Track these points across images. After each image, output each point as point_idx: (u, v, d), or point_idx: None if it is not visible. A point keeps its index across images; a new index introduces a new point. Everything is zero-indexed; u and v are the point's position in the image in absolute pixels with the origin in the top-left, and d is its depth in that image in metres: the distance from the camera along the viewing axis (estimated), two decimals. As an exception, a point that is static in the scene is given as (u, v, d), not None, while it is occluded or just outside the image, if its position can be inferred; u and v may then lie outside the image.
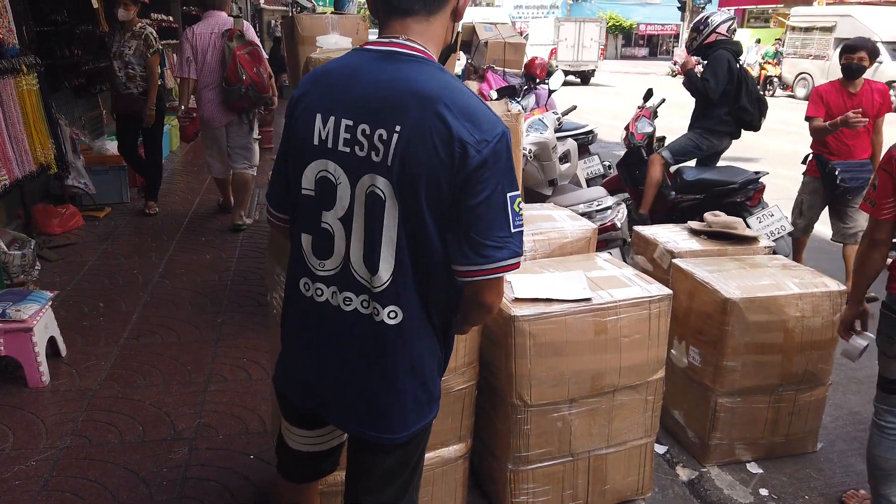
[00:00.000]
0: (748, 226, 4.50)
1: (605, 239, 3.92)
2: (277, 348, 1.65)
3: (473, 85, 8.79)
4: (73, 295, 4.18)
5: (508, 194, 1.33)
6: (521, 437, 2.27)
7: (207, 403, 3.05)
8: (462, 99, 1.31)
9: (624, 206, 4.11)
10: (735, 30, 5.20)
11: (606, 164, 6.73)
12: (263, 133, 8.07)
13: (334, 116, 1.36)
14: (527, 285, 2.26)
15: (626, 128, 5.45)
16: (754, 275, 2.96)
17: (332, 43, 4.01)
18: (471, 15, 20.62)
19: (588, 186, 5.98)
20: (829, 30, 18.27)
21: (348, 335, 1.44)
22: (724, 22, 4.99)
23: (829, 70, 17.39)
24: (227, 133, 5.40)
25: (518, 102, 6.06)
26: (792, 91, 19.54)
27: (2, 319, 3.02)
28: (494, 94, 6.85)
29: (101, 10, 6.43)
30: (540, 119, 4.89)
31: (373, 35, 1.62)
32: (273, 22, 18.65)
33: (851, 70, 4.41)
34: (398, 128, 1.30)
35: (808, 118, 4.55)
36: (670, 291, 2.34)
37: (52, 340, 3.31)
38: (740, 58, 5.06)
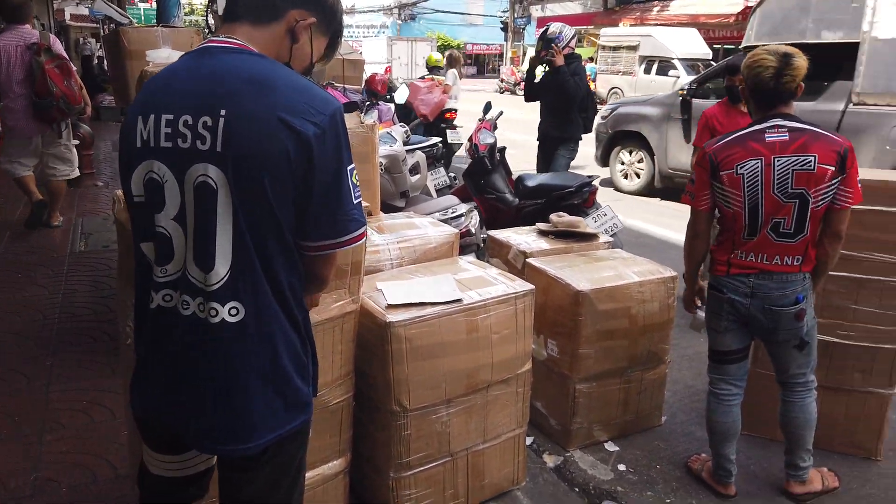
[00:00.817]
0: (586, 225, 4.87)
1: (462, 245, 4.04)
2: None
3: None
4: None
5: (348, 167, 1.37)
6: (401, 444, 2.26)
7: (45, 455, 2.71)
8: (293, 79, 1.34)
9: (476, 212, 4.26)
10: None
11: (451, 175, 6.96)
12: (84, 157, 7.47)
13: (154, 115, 1.32)
14: (398, 292, 2.27)
15: (470, 139, 5.68)
16: (599, 268, 3.20)
17: (164, 57, 3.79)
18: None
19: (437, 197, 6.16)
20: (634, 48, 20.30)
21: (191, 342, 1.35)
22: (573, 37, 5.58)
23: (636, 84, 19.34)
24: (42, 141, 5.56)
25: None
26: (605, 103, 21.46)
27: None
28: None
29: None
30: (388, 132, 4.95)
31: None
32: (81, 39, 17.25)
33: (734, 93, 4.29)
34: (223, 112, 1.27)
35: (696, 147, 4.65)
36: (532, 286, 2.46)
37: None
38: None
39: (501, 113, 5.99)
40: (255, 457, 1.42)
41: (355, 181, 1.39)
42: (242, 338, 1.34)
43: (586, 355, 3.04)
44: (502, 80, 29.77)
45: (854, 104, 6.35)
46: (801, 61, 2.42)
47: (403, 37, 28.91)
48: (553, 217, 3.77)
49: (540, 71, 6.03)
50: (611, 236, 4.82)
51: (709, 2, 21.26)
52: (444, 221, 3.93)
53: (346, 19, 42.10)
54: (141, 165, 1.34)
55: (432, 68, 10.36)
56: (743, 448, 2.97)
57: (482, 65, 49.72)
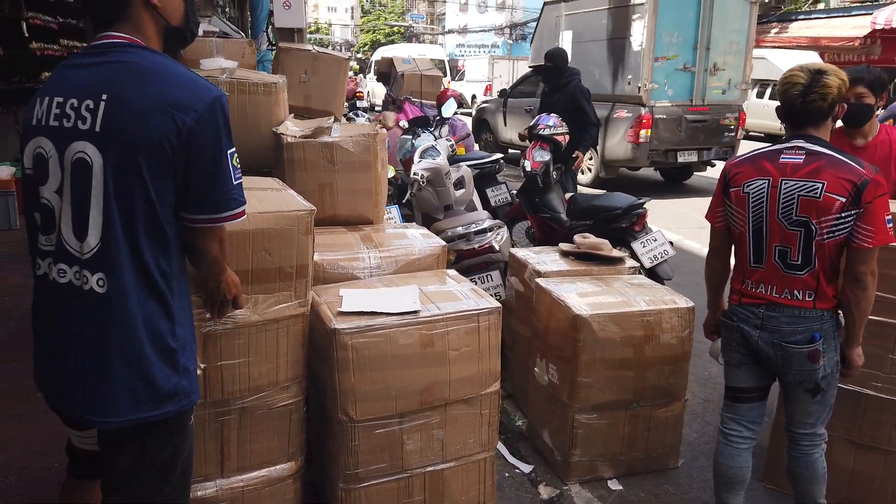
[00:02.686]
0: (632, 250, 4.64)
1: (486, 261, 3.96)
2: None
3: (391, 115, 8.87)
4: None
5: (228, 151, 1.48)
6: (349, 455, 2.22)
7: (48, 431, 2.88)
8: (174, 69, 1.44)
9: (505, 229, 4.16)
10: None
11: (514, 192, 6.86)
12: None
13: (49, 97, 1.44)
14: (355, 300, 2.24)
15: (524, 156, 5.59)
16: (608, 292, 3.03)
17: (217, 66, 3.98)
18: (407, 50, 20.96)
19: (498, 216, 6.10)
20: (746, 72, 19.16)
21: (67, 311, 1.43)
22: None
23: (748, 109, 18.20)
24: None
25: (431, 132, 6.15)
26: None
27: None
28: (405, 124, 6.95)
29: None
30: (433, 146, 4.95)
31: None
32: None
33: (853, 114, 2.88)
34: (105, 96, 1.38)
35: None
36: (499, 305, 2.36)
37: None
38: None
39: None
40: (113, 435, 1.47)
41: (236, 164, 1.50)
42: (108, 311, 1.41)
43: (586, 384, 2.87)
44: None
45: None
46: (833, 80, 2.19)
47: (504, 55, 28.99)
48: (577, 238, 3.62)
49: None
50: (657, 264, 4.57)
51: (832, 24, 19.79)
52: (466, 236, 3.88)
53: (458, 38, 42.96)
54: (32, 141, 1.46)
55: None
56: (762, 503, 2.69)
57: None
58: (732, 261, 2.47)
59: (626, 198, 4.89)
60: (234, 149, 1.50)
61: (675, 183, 10.78)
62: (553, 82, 6.52)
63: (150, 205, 1.40)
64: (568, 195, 5.37)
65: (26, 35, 7.57)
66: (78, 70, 1.45)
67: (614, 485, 3.00)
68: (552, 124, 5.69)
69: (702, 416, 3.56)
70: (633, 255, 4.61)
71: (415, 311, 2.21)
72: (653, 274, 4.48)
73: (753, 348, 2.35)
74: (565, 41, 10.12)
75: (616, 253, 3.57)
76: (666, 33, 8.83)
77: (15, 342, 3.77)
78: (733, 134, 9.54)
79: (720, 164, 10.26)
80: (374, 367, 2.15)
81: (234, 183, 1.49)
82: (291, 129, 3.04)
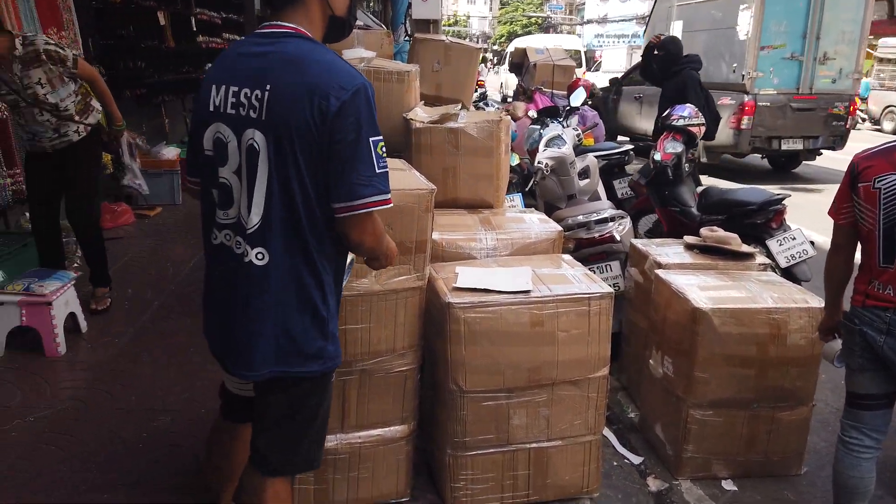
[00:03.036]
0: (768, 248, 4.40)
1: (606, 251, 3.93)
2: None
3: (521, 105, 8.90)
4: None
5: (371, 139, 1.52)
6: (457, 423, 2.34)
7: (199, 382, 3.27)
8: (323, 57, 1.53)
9: (628, 219, 4.09)
10: None
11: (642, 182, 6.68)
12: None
13: (225, 85, 1.59)
14: (470, 277, 2.35)
15: (655, 147, 5.43)
16: (732, 287, 2.93)
17: (358, 55, 4.24)
18: (542, 40, 20.78)
19: (624, 207, 5.99)
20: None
21: (233, 274, 1.61)
22: None
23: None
24: None
25: (560, 122, 6.14)
26: (879, 125, 18.59)
27: (25, 293, 3.35)
28: (534, 114, 6.97)
29: (167, 28, 7.00)
30: (559, 135, 4.94)
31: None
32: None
33: None
34: (268, 87, 1.51)
35: None
36: (611, 290, 2.36)
37: (73, 316, 3.63)
38: None
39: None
40: (266, 385, 1.66)
41: (380, 153, 1.54)
42: (266, 280, 1.58)
43: (703, 379, 2.81)
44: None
45: None
46: None
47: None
48: (704, 231, 3.51)
49: None
50: (794, 264, 4.29)
51: None
52: (586, 224, 3.87)
53: (597, 28, 41.82)
54: (212, 126, 1.62)
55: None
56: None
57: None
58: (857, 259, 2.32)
59: (763, 192, 4.63)
60: (379, 137, 1.54)
61: (782, 171, 10.66)
62: (665, 71, 6.27)
63: (304, 187, 1.52)
64: (700, 189, 5.17)
65: (194, 29, 8.38)
66: (246, 59, 1.59)
67: (728, 485, 2.91)
68: (687, 115, 5.46)
69: (833, 425, 3.34)
70: (769, 254, 4.37)
71: (526, 291, 2.28)
72: (790, 275, 4.22)
73: (878, 354, 2.20)
74: (676, 31, 10.43)
75: (746, 248, 3.42)
76: (774, 22, 9.03)
77: (174, 303, 4.26)
78: (843, 123, 9.59)
79: (828, 154, 10.07)
80: (484, 342, 2.25)
81: (377, 171, 1.53)
82: (420, 115, 3.19)
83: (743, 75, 9.09)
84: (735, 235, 3.46)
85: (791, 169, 10.66)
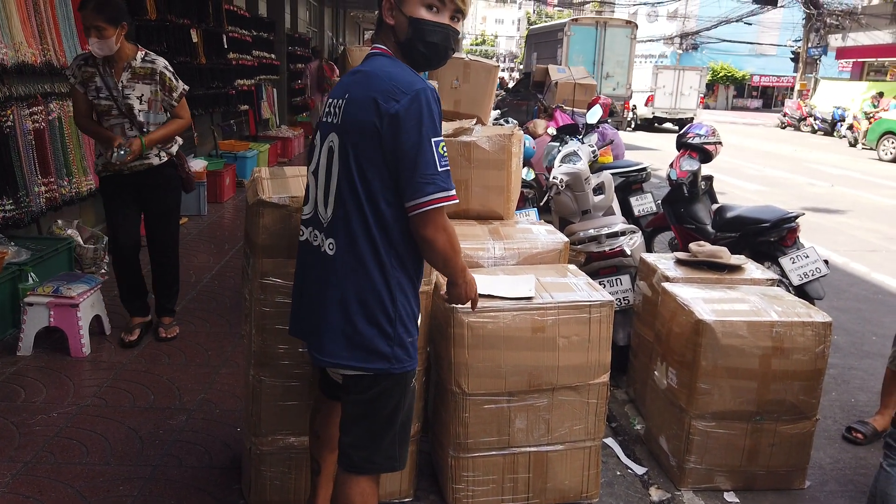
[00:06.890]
0: (780, 266, 4.41)
1: (616, 265, 3.98)
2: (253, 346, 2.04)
3: (541, 123, 9.01)
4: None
5: (432, 139, 1.63)
6: (460, 425, 2.41)
7: (215, 383, 3.38)
8: (387, 68, 1.70)
9: (639, 234, 4.14)
10: None
11: (658, 202, 6.72)
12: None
13: (329, 99, 1.84)
14: (476, 282, 2.42)
15: (671, 165, 5.48)
16: (737, 300, 2.97)
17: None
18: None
19: (640, 224, 6.04)
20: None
21: (312, 266, 1.79)
22: None
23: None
24: None
25: (580, 140, 6.22)
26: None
27: (55, 295, 3.51)
28: (553, 131, 7.06)
29: (200, 45, 7.24)
30: (575, 151, 5.02)
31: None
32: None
33: None
34: (346, 95, 1.73)
35: None
36: (611, 298, 2.43)
37: (98, 319, 3.78)
38: None
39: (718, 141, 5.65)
40: (345, 384, 1.82)
41: (441, 152, 1.65)
42: (333, 270, 1.73)
43: (705, 390, 2.84)
44: (785, 115, 27.01)
45: None
46: None
47: (670, 65, 27.85)
48: (693, 246, 3.54)
49: None
50: (807, 283, 4.29)
51: None
52: (597, 238, 3.93)
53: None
54: (318, 135, 1.83)
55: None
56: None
57: (770, 97, 45.61)
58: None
59: (777, 210, 4.65)
60: (439, 138, 1.66)
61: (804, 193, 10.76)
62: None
63: (368, 185, 1.66)
64: (715, 206, 5.20)
65: (225, 46, 8.64)
66: (349, 76, 1.81)
67: (731, 497, 2.93)
68: (703, 133, 5.53)
69: (839, 443, 3.35)
70: (781, 272, 4.38)
71: (528, 298, 2.35)
72: (802, 293, 4.23)
73: None
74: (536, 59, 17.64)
75: (735, 260, 3.46)
76: (575, 54, 17.24)
77: (195, 308, 4.40)
78: (619, 115, 15.91)
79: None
80: (486, 346, 2.33)
81: (439, 169, 1.64)
82: (434, 128, 3.30)
83: None
84: (724, 249, 3.50)
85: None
